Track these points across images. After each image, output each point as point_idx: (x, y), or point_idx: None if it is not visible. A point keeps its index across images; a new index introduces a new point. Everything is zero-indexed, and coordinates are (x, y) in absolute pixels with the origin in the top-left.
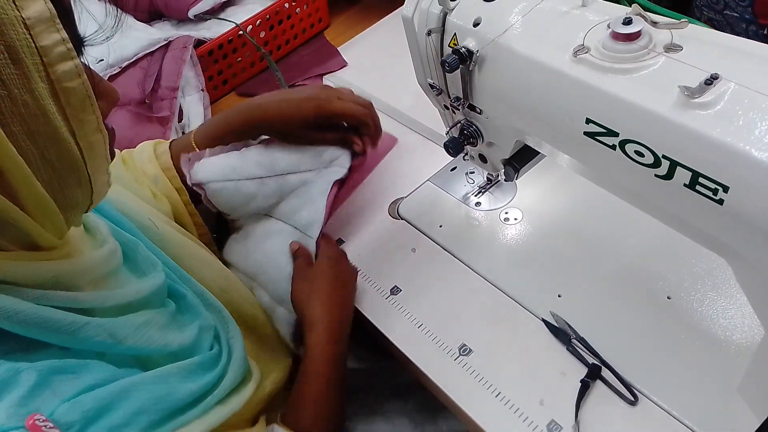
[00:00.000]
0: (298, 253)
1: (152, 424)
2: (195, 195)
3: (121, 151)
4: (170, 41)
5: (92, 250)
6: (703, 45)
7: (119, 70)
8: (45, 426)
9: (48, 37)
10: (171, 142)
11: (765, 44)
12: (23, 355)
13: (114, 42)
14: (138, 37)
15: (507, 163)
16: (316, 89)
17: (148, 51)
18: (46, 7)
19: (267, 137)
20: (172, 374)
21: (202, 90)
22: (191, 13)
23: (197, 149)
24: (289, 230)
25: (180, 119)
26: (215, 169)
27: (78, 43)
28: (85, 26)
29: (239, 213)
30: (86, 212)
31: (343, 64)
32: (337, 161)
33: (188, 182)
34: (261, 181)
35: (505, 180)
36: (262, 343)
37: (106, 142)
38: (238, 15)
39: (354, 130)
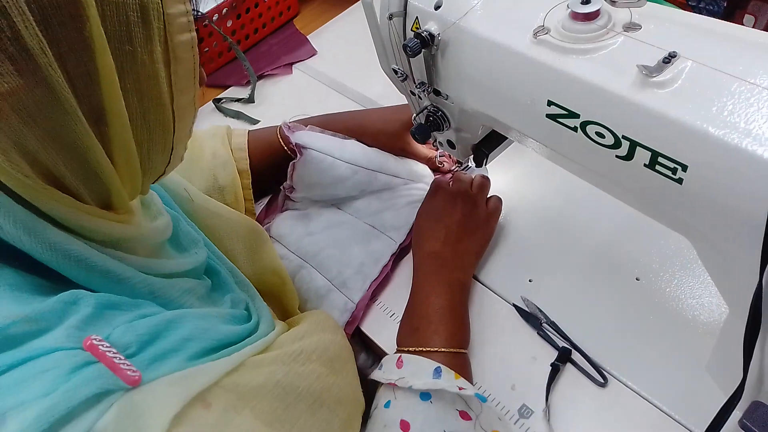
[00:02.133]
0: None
1: (204, 351)
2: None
3: None
4: None
5: (149, 221)
6: (662, 23)
7: None
8: (102, 345)
9: (175, 6)
10: (249, 130)
11: (723, 21)
12: None
13: None
14: None
15: (475, 148)
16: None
17: None
18: None
19: None
20: (211, 315)
21: None
22: None
23: (282, 143)
24: (364, 227)
25: None
26: (320, 141)
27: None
28: None
29: (314, 192)
30: (154, 183)
31: (313, 53)
32: (426, 178)
33: (291, 141)
34: (355, 169)
35: (475, 166)
36: (278, 307)
37: (194, 118)
38: (204, 4)
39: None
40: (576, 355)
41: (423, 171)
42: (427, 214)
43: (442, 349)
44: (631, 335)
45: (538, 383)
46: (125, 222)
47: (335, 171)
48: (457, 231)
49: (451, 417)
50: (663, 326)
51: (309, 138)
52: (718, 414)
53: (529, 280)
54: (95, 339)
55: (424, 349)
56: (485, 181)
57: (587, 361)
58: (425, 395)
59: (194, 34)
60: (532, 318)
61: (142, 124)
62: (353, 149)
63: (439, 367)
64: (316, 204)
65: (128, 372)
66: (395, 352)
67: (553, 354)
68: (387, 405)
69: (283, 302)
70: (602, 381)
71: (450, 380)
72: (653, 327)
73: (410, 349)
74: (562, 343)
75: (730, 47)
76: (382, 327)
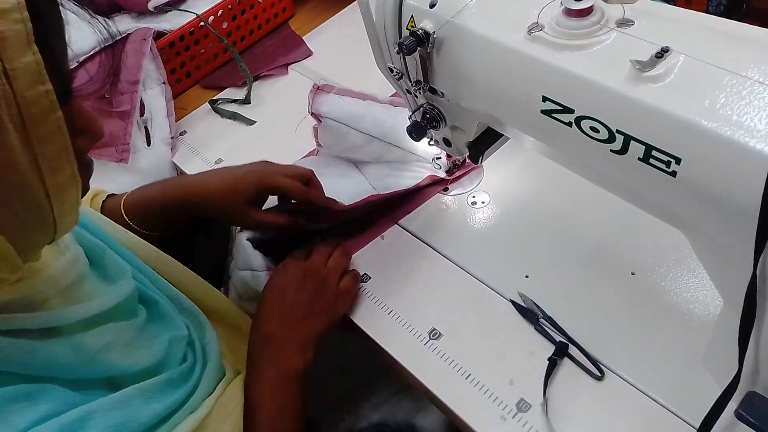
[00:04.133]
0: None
1: None
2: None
3: None
4: (129, 34)
5: (54, 259)
6: (654, 19)
7: (77, 64)
8: None
9: (32, 89)
10: (102, 202)
11: (713, 16)
12: None
13: (70, 36)
14: (95, 30)
15: (471, 145)
16: (255, 164)
17: (107, 44)
18: (34, 59)
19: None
20: (134, 397)
21: (164, 83)
22: (151, 5)
23: (125, 216)
24: (367, 188)
25: (142, 113)
26: (339, 110)
27: (66, 90)
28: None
29: (335, 151)
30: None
31: (308, 54)
32: (440, 161)
33: (309, 109)
34: (370, 139)
35: (471, 161)
36: (236, 333)
37: (79, 189)
38: (200, 6)
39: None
40: (573, 350)
41: (434, 151)
42: (271, 290)
43: None
44: (627, 329)
45: (536, 378)
46: (12, 283)
47: (350, 139)
48: (301, 312)
49: None
50: (659, 320)
51: (327, 105)
52: (714, 405)
53: (526, 276)
54: None
55: None
56: (342, 259)
57: (584, 355)
58: None
59: (59, 113)
60: (529, 313)
61: (4, 211)
62: (375, 117)
63: None
64: (339, 157)
65: None
66: None
67: (550, 348)
68: None
69: (232, 326)
70: (599, 375)
71: None
72: (649, 320)
73: None
74: (558, 338)
75: (721, 41)
76: (369, 314)
